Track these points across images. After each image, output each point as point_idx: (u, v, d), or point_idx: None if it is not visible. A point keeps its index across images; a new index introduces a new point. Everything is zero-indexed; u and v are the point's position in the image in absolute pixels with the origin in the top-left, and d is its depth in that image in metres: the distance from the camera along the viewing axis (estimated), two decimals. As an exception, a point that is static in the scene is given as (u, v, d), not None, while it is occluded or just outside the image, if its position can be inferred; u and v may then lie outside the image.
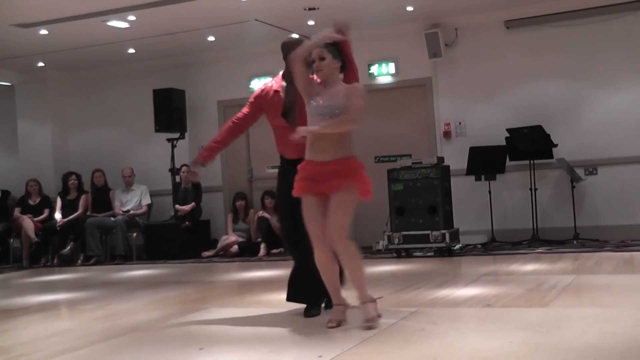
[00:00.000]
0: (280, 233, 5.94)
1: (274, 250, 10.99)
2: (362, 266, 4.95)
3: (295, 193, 4.96)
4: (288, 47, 5.52)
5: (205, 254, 11.25)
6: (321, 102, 4.92)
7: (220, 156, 12.18)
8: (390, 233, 9.59)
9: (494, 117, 10.37)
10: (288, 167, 5.44)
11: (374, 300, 4.93)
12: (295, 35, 5.73)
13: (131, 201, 12.04)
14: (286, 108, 5.49)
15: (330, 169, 4.85)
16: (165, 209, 12.13)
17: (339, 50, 5.03)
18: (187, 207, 11.43)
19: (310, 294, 5.45)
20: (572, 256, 8.40)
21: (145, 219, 12.03)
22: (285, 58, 5.57)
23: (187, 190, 11.60)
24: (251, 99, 5.73)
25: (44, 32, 10.16)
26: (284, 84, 5.62)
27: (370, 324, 4.76)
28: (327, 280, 5.02)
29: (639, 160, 9.76)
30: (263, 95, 5.66)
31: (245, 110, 5.72)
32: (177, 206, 11.50)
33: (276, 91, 5.61)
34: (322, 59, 4.95)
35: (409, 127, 11.13)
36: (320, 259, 4.95)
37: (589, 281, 6.64)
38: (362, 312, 4.86)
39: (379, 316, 4.88)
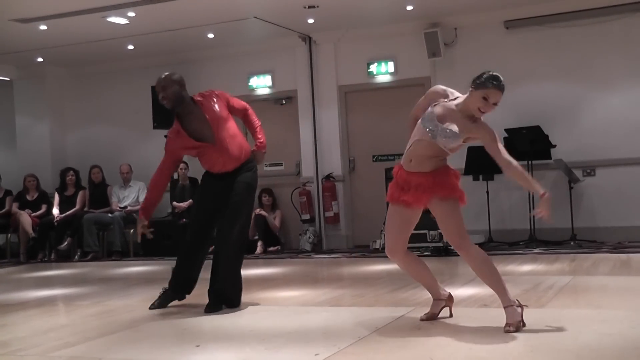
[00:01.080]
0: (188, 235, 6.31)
1: (271, 248, 10.99)
2: (493, 270, 4.70)
3: (387, 198, 4.96)
4: (161, 86, 5.83)
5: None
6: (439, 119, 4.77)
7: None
8: (387, 232, 9.57)
9: (492, 117, 10.15)
10: (210, 180, 6.00)
11: (519, 305, 4.58)
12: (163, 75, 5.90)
13: (128, 197, 12.04)
14: (196, 134, 5.82)
15: (417, 180, 4.82)
16: (163, 205, 12.08)
17: None
18: (184, 204, 11.43)
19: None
20: (569, 257, 8.41)
21: (142, 215, 12.00)
22: (159, 94, 5.87)
23: (185, 187, 11.60)
24: (165, 151, 6.03)
25: (43, 27, 10.14)
26: (178, 124, 5.90)
27: (510, 327, 4.45)
28: (420, 280, 5.11)
29: (636, 162, 9.78)
30: (171, 141, 5.97)
31: (163, 160, 6.05)
32: (174, 203, 11.50)
33: (178, 131, 5.89)
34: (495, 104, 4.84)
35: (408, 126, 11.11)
36: (400, 266, 5.07)
37: (586, 282, 6.65)
38: (506, 316, 4.55)
39: (523, 324, 4.55)
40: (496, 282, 4.66)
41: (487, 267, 4.69)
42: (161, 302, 6.06)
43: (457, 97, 4.90)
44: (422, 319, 4.95)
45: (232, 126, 5.93)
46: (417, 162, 4.79)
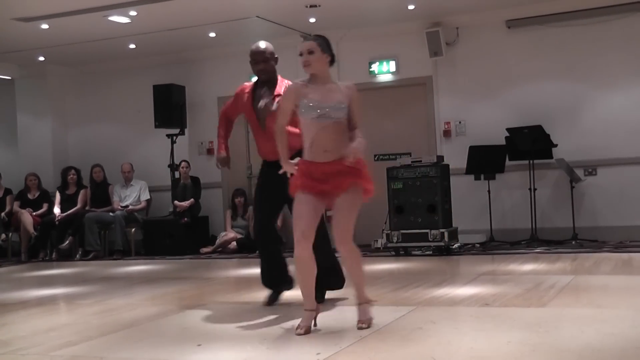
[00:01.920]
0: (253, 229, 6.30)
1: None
2: (363, 269, 4.93)
3: (292, 190, 4.84)
4: (264, 57, 5.85)
5: (204, 250, 11.25)
6: (318, 101, 4.77)
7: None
8: (389, 231, 9.59)
9: (494, 117, 10.38)
10: (267, 168, 5.81)
11: (370, 302, 4.90)
12: (261, 44, 5.92)
13: (130, 196, 12.04)
14: (259, 113, 5.78)
15: (335, 168, 4.74)
16: (164, 204, 12.13)
17: (327, 43, 4.94)
18: (185, 203, 11.44)
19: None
20: (571, 256, 8.41)
21: (144, 214, 12.03)
22: (255, 63, 5.86)
23: (186, 186, 11.60)
24: (233, 97, 6.06)
25: (44, 26, 10.12)
26: (257, 91, 5.88)
27: (364, 324, 4.74)
28: (304, 281, 4.84)
29: (638, 161, 9.77)
30: (239, 93, 5.98)
31: (229, 102, 6.08)
32: (175, 202, 11.50)
33: (249, 93, 5.89)
34: (311, 52, 4.83)
35: (409, 126, 11.14)
36: (301, 257, 4.71)
37: (587, 282, 6.65)
38: (359, 313, 4.84)
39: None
40: (361, 281, 4.89)
41: (361, 265, 4.90)
42: (271, 301, 5.99)
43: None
44: (298, 334, 4.67)
45: (294, 121, 5.41)
46: (328, 151, 4.74)
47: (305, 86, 4.89)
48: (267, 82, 5.84)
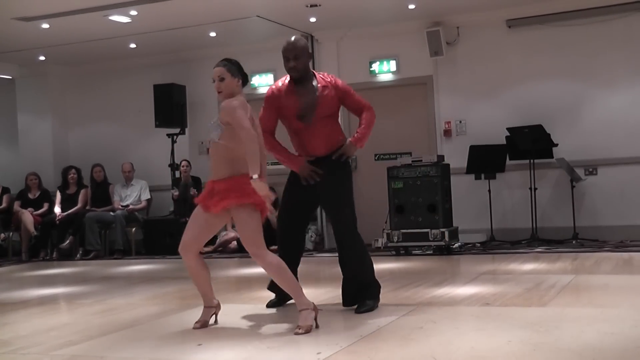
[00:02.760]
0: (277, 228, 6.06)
1: (272, 247, 10.92)
2: (288, 277, 4.98)
3: (197, 200, 5.15)
4: (294, 54, 5.52)
5: (204, 249, 11.23)
6: (213, 121, 5.08)
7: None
8: (389, 231, 9.60)
9: (494, 116, 10.38)
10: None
11: (311, 308, 4.85)
12: (292, 39, 5.61)
13: (130, 196, 12.04)
14: (302, 109, 5.54)
15: (213, 187, 5.00)
16: (165, 204, 12.13)
17: (237, 66, 5.15)
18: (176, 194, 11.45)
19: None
20: (571, 256, 8.41)
21: (144, 214, 12.03)
22: (286, 60, 5.56)
23: (187, 185, 11.60)
24: (265, 103, 5.71)
25: (45, 26, 10.12)
26: (296, 87, 5.60)
27: (300, 330, 4.72)
28: (196, 284, 5.21)
29: (639, 161, 9.77)
30: (275, 96, 5.65)
31: (262, 114, 5.67)
32: (172, 192, 11.45)
33: (288, 92, 5.61)
34: (222, 79, 5.11)
35: (410, 125, 11.14)
36: (187, 266, 5.13)
37: (588, 281, 6.66)
38: (299, 318, 4.83)
39: (317, 326, 4.85)
40: (292, 288, 4.95)
41: (283, 274, 4.97)
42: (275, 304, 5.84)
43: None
44: (195, 328, 5.07)
45: (336, 115, 5.74)
46: (214, 169, 5.06)
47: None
48: (301, 79, 5.58)
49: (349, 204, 5.64)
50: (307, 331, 4.72)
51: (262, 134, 5.26)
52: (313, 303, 4.88)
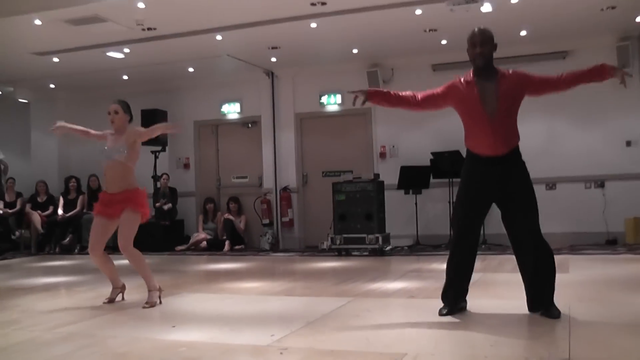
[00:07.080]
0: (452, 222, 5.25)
1: (237, 247, 10.97)
2: (144, 265, 5.50)
3: (94, 212, 5.61)
4: (480, 39, 4.54)
5: (179, 248, 11.17)
6: (107, 147, 5.75)
7: (194, 167, 12.18)
8: (333, 235, 9.62)
9: (421, 142, 10.48)
10: (472, 162, 4.81)
11: (156, 289, 5.47)
12: (480, 27, 4.62)
13: (119, 202, 11.91)
14: (482, 99, 4.55)
15: (116, 198, 5.45)
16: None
17: (128, 106, 6.06)
18: (164, 205, 11.35)
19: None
20: (480, 257, 8.40)
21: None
22: (472, 46, 4.58)
23: (165, 194, 11.53)
24: (445, 86, 4.85)
25: (55, 59, 10.17)
26: (476, 78, 4.62)
27: (147, 305, 5.33)
28: (105, 273, 5.72)
29: (537, 181, 9.89)
30: (456, 85, 4.74)
31: (436, 90, 4.88)
32: (157, 204, 11.38)
33: (469, 82, 4.63)
34: (117, 112, 6.01)
35: (352, 148, 11.20)
36: (95, 262, 5.63)
37: (493, 278, 6.74)
38: (148, 296, 5.42)
39: (160, 302, 5.46)
40: (146, 272, 5.50)
41: (141, 262, 5.49)
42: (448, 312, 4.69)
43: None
44: (104, 303, 5.58)
45: (516, 109, 4.68)
46: (114, 184, 5.52)
47: (110, 136, 6.11)
48: (484, 69, 4.56)
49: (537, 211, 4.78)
50: (152, 306, 5.32)
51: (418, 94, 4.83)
52: (159, 285, 5.51)
